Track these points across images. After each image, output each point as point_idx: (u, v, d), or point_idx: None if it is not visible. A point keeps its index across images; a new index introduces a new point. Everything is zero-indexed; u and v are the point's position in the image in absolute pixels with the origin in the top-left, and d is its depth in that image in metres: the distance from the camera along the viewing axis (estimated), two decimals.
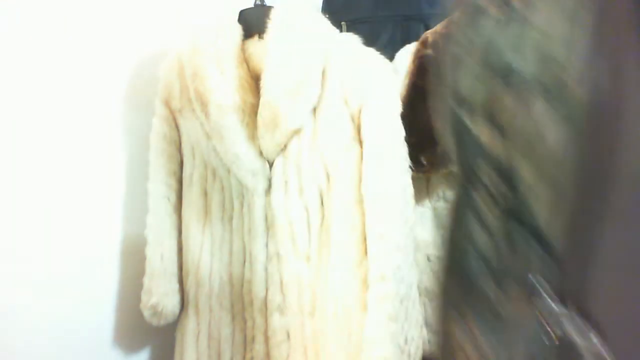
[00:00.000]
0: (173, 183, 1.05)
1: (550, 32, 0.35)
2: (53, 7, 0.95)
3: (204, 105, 0.93)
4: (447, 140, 0.52)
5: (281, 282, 0.97)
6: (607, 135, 0.34)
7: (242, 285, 1.01)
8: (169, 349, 1.08)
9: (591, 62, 0.33)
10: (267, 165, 0.96)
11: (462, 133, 0.47)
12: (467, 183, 0.50)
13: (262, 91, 0.91)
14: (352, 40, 0.92)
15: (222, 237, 1.02)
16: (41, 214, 0.95)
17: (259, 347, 1.00)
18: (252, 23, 0.97)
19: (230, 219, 1.01)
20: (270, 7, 0.96)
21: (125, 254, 1.09)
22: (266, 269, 0.98)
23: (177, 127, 1.04)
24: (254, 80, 0.96)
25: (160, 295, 1.02)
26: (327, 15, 1.05)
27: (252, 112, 0.94)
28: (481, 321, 0.49)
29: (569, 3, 0.35)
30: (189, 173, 1.03)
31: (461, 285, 0.52)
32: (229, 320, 1.03)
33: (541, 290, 0.41)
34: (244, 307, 1.02)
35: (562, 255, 0.39)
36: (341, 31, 1.06)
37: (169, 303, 1.03)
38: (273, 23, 0.92)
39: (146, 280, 1.04)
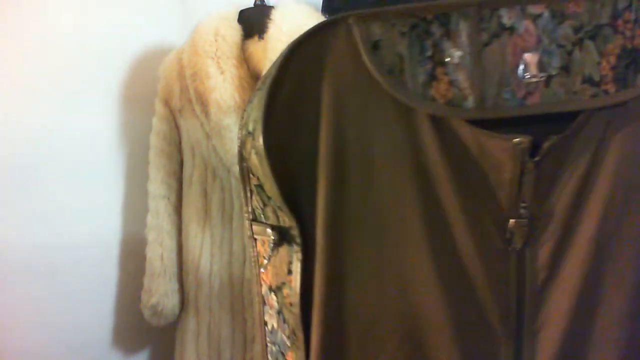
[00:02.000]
0: (173, 183, 1.05)
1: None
2: (53, 6, 0.95)
3: (204, 105, 0.93)
4: None
5: None
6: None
7: (242, 285, 1.01)
8: (169, 349, 1.08)
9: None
10: None
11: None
12: None
13: None
14: None
15: (222, 237, 1.02)
16: (41, 214, 0.95)
17: (259, 347, 1.00)
18: (252, 23, 0.97)
19: (230, 219, 1.01)
20: (270, 7, 0.95)
21: (125, 254, 1.09)
22: None
23: (177, 127, 1.04)
24: (254, 80, 0.96)
25: (160, 295, 1.02)
26: (327, 16, 1.05)
27: None
28: None
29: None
30: (189, 173, 1.03)
31: None
32: (229, 320, 1.03)
33: None
34: (244, 307, 1.02)
35: None
36: None
37: (169, 303, 1.03)
38: (273, 23, 0.92)
39: (146, 281, 1.04)
